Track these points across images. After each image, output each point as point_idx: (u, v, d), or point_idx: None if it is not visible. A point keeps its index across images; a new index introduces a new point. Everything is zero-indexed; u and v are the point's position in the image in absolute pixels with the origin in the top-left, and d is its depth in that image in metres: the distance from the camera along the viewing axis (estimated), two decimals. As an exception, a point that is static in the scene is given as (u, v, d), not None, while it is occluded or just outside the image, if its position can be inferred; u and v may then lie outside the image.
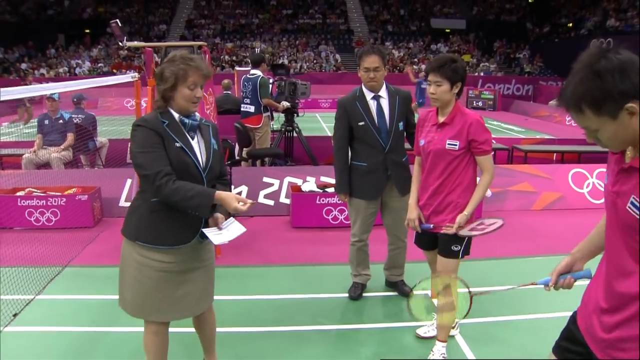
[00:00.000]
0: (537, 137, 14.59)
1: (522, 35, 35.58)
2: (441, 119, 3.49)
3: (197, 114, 2.96)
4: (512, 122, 19.78)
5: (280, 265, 5.49)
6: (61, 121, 8.30)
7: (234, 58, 30.80)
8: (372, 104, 4.28)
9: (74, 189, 6.88)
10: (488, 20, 36.79)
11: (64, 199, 6.62)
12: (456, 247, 3.54)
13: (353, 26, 37.12)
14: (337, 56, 32.85)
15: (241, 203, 2.74)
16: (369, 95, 4.31)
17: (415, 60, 32.52)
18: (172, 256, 2.90)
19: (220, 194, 2.75)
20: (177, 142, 2.80)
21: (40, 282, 4.91)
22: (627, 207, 1.71)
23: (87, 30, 34.78)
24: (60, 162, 8.02)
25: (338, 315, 4.45)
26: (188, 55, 2.80)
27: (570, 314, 2.22)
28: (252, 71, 8.50)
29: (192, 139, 2.89)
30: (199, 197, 2.72)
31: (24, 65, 30.81)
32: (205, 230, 2.88)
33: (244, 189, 7.06)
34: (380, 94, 4.31)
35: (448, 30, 36.07)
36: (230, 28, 35.57)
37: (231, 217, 2.87)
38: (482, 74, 30.24)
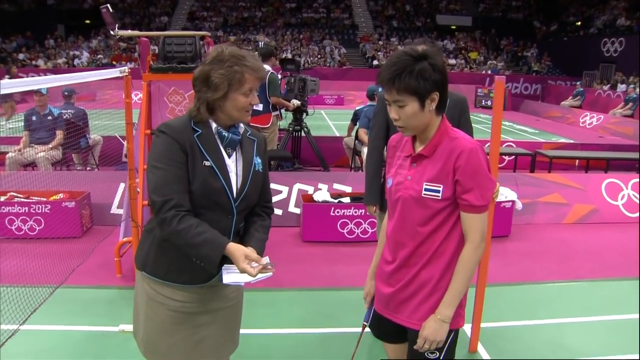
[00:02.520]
0: (555, 140, 13.96)
1: (529, 34, 34.95)
2: (419, 149, 2.24)
3: (241, 125, 2.33)
4: (524, 122, 19.09)
5: (292, 289, 4.80)
6: (50, 117, 7.64)
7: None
8: None
9: (60, 195, 6.20)
10: (494, 18, 36.17)
11: (49, 206, 5.94)
12: (434, 354, 2.29)
13: (358, 21, 36.44)
14: (342, 50, 32.16)
15: (253, 264, 2.10)
16: None
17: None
18: (188, 294, 2.31)
19: (230, 247, 2.12)
20: (208, 160, 2.19)
21: (24, 307, 4.24)
22: None
23: (88, 21, 34.03)
24: (48, 163, 7.35)
25: (364, 356, 3.78)
26: (239, 53, 2.20)
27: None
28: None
29: (229, 156, 2.28)
30: (207, 247, 2.11)
31: (21, 56, 30.12)
32: (225, 267, 2.19)
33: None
34: None
35: (454, 27, 35.41)
36: (232, 21, 34.84)
37: (266, 257, 2.19)
38: (489, 71, 29.52)
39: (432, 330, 2.18)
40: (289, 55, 28.20)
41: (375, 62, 30.52)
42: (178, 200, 2.11)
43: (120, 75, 4.15)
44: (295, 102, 7.86)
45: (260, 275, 2.11)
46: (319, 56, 30.59)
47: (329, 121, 14.92)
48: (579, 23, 32.33)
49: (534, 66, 31.54)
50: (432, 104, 2.13)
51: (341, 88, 23.79)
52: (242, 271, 2.07)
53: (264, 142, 2.45)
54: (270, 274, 2.14)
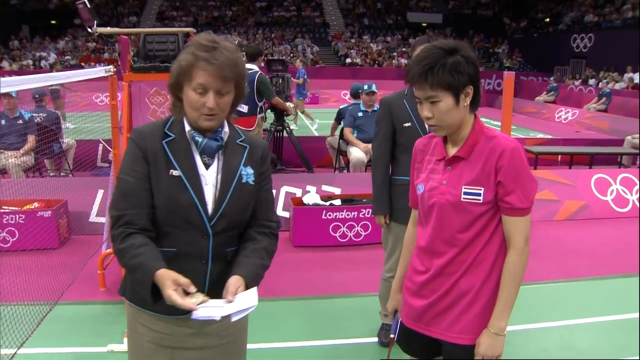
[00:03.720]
0: (533, 135, 13.97)
1: (499, 30, 35.30)
2: (452, 151, 2.09)
3: (225, 130, 1.97)
4: (500, 118, 19.10)
5: (287, 298, 4.57)
6: (20, 121, 7.25)
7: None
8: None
9: (35, 204, 5.85)
10: (464, 15, 36.45)
11: (23, 216, 5.60)
12: None
13: (329, 19, 36.35)
14: (315, 49, 31.97)
15: (186, 294, 1.75)
16: None
17: (394, 54, 31.84)
18: (169, 326, 1.97)
19: (160, 272, 1.76)
20: (175, 168, 1.88)
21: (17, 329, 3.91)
22: None
23: (53, 21, 33.25)
24: (20, 169, 6.97)
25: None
26: (208, 41, 1.84)
27: None
28: (248, 65, 7.16)
29: (208, 166, 1.94)
30: (140, 271, 1.80)
31: (-16, 58, 29.30)
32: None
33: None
34: None
35: (425, 24, 35.52)
36: (203, 20, 34.37)
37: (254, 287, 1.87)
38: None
39: (488, 346, 2.01)
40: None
41: (348, 60, 30.43)
42: (131, 216, 1.85)
43: (106, 74, 3.87)
44: (291, 105, 7.63)
45: (235, 307, 1.76)
46: (291, 55, 30.34)
47: (306, 120, 14.69)
48: (548, 20, 32.77)
49: (505, 62, 31.80)
50: (466, 98, 1.99)
51: (316, 87, 23.52)
52: (168, 299, 1.71)
53: (264, 150, 2.07)
54: (253, 305, 1.79)
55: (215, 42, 1.84)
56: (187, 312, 1.75)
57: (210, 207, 1.91)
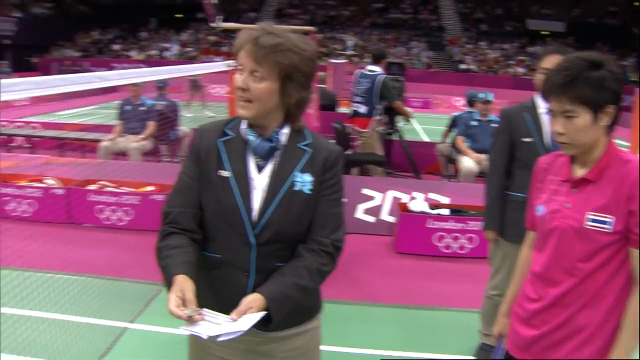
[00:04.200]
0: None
1: (627, 41, 33.03)
2: (580, 172, 1.89)
3: (284, 130, 1.78)
4: (626, 137, 17.92)
5: (386, 305, 4.47)
6: (143, 108, 7.65)
7: (324, 50, 30.07)
8: (547, 119, 3.19)
9: (150, 187, 6.14)
10: (589, 24, 34.39)
11: (139, 197, 5.89)
12: None
13: (445, 23, 35.64)
14: (430, 53, 31.52)
15: (186, 307, 1.58)
16: (542, 106, 3.22)
17: (511, 62, 30.74)
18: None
19: (176, 279, 1.63)
20: (225, 169, 1.75)
21: (132, 305, 4.16)
22: None
23: (179, 15, 35.09)
24: (139, 153, 7.36)
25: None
26: (262, 26, 1.69)
27: None
28: (371, 67, 7.24)
29: (261, 169, 1.77)
30: (165, 274, 1.70)
31: (116, 47, 31.41)
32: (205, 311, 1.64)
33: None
34: None
35: (545, 33, 33.95)
36: (319, 19, 34.88)
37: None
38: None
39: None
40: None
41: (463, 66, 29.72)
42: (176, 215, 1.77)
43: (227, 69, 3.97)
44: (410, 110, 7.55)
45: (223, 329, 1.56)
46: (405, 57, 30.08)
47: (416, 125, 14.48)
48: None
49: (632, 76, 29.79)
50: (605, 118, 1.79)
51: (428, 91, 23.19)
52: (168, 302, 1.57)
53: (330, 155, 1.81)
54: (241, 330, 1.56)
55: (277, 30, 1.69)
56: None
57: (255, 214, 1.74)
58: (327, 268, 1.80)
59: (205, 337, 1.54)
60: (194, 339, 1.92)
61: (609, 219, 1.79)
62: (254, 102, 1.67)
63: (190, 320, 1.55)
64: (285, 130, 1.78)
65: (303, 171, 1.77)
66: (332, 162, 1.81)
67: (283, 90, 1.70)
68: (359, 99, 7.23)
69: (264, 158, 1.76)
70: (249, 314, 1.62)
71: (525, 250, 2.18)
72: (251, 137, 1.75)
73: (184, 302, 1.58)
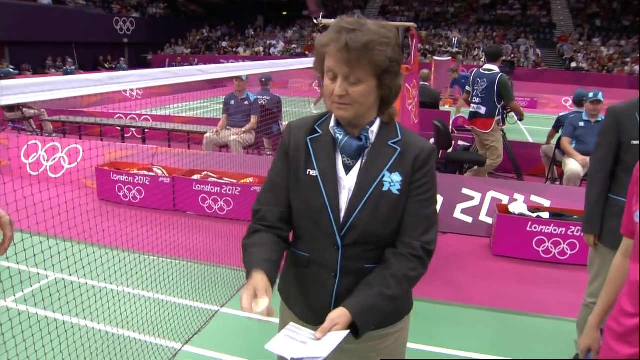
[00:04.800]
0: None
1: None
2: None
3: (373, 128, 1.71)
4: None
5: (479, 307, 4.37)
6: (246, 102, 7.91)
7: (428, 47, 29.68)
8: None
9: (250, 179, 6.36)
10: None
11: (239, 188, 6.11)
12: None
13: (556, 19, 34.01)
14: (538, 51, 30.26)
15: (259, 303, 1.54)
16: None
17: (628, 60, 28.89)
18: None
19: (253, 276, 1.60)
20: (314, 168, 1.71)
21: (224, 289, 4.38)
22: None
23: (285, 13, 35.93)
24: (240, 146, 7.62)
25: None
26: (348, 23, 1.59)
27: None
28: (488, 66, 7.12)
29: (349, 168, 1.71)
30: (246, 270, 1.67)
31: (224, 44, 32.65)
32: (291, 325, 1.63)
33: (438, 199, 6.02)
34: None
35: (669, 28, 31.59)
36: (424, 16, 34.44)
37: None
38: None
39: None
40: (481, 54, 27.21)
41: (573, 65, 28.30)
42: (265, 212, 1.75)
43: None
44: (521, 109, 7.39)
45: (305, 352, 1.49)
46: (512, 55, 29.09)
47: (521, 125, 13.97)
48: None
49: None
50: None
51: (535, 90, 22.29)
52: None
53: (421, 153, 1.72)
54: (321, 357, 1.46)
55: (356, 25, 1.59)
56: (321, 322, 1.60)
57: (343, 214, 1.69)
58: (416, 273, 1.71)
59: (289, 358, 1.49)
60: (284, 322, 1.92)
61: None
62: (353, 104, 1.62)
63: (263, 314, 1.52)
64: (375, 127, 1.72)
65: (392, 170, 1.70)
66: (423, 160, 1.72)
67: (380, 85, 1.64)
68: (477, 99, 7.12)
69: (352, 157, 1.71)
70: (333, 331, 1.57)
71: (619, 258, 2.04)
72: (339, 136, 1.70)
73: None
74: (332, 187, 1.69)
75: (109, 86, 1.94)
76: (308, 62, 3.91)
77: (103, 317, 3.68)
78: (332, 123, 1.73)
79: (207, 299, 4.21)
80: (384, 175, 1.69)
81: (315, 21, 4.65)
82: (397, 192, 1.69)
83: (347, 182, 1.70)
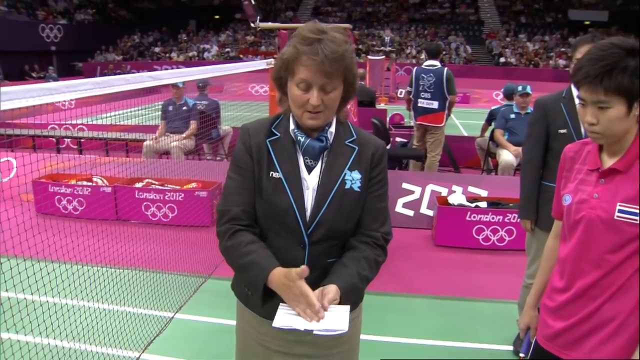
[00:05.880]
0: None
1: (675, 30, 31.98)
2: (608, 162, 1.88)
3: (332, 129, 1.79)
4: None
5: (425, 296, 4.55)
6: (185, 108, 7.86)
7: (361, 47, 30.07)
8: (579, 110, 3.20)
9: (193, 184, 6.33)
10: (634, 12, 33.34)
11: (182, 194, 6.08)
12: None
13: (484, 17, 35.17)
14: (468, 48, 31.17)
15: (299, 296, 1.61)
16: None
17: (552, 54, 30.16)
18: (271, 329, 1.73)
19: (275, 272, 1.66)
20: (276, 170, 1.77)
21: (177, 296, 4.38)
22: None
23: (217, 17, 35.63)
24: (181, 152, 7.57)
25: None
26: (312, 33, 1.67)
27: None
28: (430, 62, 7.34)
29: (311, 168, 1.79)
30: (253, 271, 1.70)
31: (157, 49, 32.08)
32: (283, 308, 1.69)
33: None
34: None
35: (587, 23, 33.11)
36: (356, 16, 34.86)
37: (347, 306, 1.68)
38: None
39: None
40: (414, 52, 27.80)
41: (502, 60, 29.30)
42: (236, 212, 1.77)
43: (267, 67, 4.09)
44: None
45: (322, 325, 1.57)
46: (444, 53, 29.83)
47: (456, 120, 14.41)
48: None
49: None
50: (639, 108, 1.76)
51: (467, 86, 22.93)
52: (296, 292, 1.60)
53: (376, 151, 1.84)
54: (343, 330, 1.58)
55: (320, 33, 1.66)
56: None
57: (308, 213, 1.76)
58: (382, 259, 1.84)
59: (302, 329, 1.57)
60: (241, 327, 2.00)
61: (637, 210, 1.78)
62: (325, 112, 1.71)
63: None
64: (333, 128, 1.80)
65: (352, 169, 1.80)
66: (378, 157, 1.84)
67: (346, 92, 1.76)
68: (427, 95, 7.26)
69: (313, 158, 1.78)
70: (333, 305, 1.64)
71: (551, 240, 2.18)
72: (301, 138, 1.76)
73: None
74: (296, 188, 1.76)
75: (65, 95, 1.95)
76: (260, 64, 3.97)
77: (57, 332, 3.60)
78: (292, 126, 1.80)
79: (161, 306, 4.19)
80: (345, 174, 1.79)
81: (252, 25, 4.70)
82: (358, 189, 1.80)
83: (310, 182, 1.78)
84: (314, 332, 1.57)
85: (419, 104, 7.40)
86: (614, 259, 1.82)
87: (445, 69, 7.21)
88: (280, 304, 1.68)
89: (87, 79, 2.13)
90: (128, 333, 3.73)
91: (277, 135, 1.81)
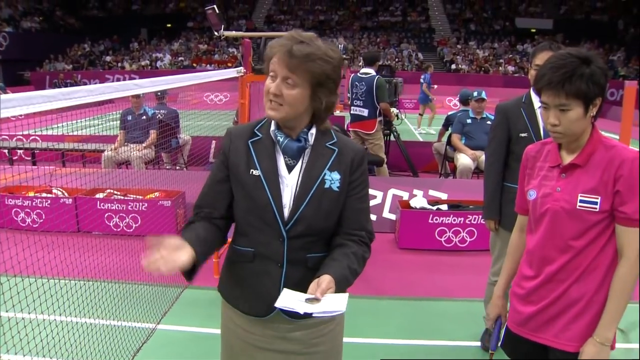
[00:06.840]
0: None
1: (613, 36, 33.34)
2: (568, 158, 2.07)
3: (312, 131, 1.89)
4: (611, 129, 18.15)
5: (392, 298, 4.66)
6: (144, 117, 7.80)
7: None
8: (541, 113, 3.37)
9: (156, 193, 6.29)
10: (577, 20, 34.69)
11: (146, 204, 6.04)
12: None
13: (434, 24, 35.97)
14: (420, 55, 31.76)
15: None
16: (537, 101, 3.40)
17: (501, 61, 31.02)
18: (255, 326, 1.96)
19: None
20: (256, 168, 1.87)
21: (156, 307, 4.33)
22: None
23: (169, 25, 35.29)
24: (141, 162, 7.50)
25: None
26: (298, 35, 1.80)
27: None
28: (365, 70, 7.43)
29: (291, 168, 1.89)
30: None
31: (108, 58, 31.56)
32: (286, 292, 1.78)
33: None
34: None
35: (534, 30, 34.23)
36: (309, 24, 35.07)
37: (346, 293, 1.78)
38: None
39: (593, 355, 1.99)
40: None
41: (453, 66, 29.97)
42: (209, 211, 1.93)
43: (237, 75, 4.13)
44: (395, 111, 7.70)
45: (321, 307, 1.67)
46: (396, 60, 30.31)
47: (410, 125, 14.68)
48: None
49: (620, 71, 30.10)
50: (594, 109, 1.98)
51: (419, 92, 23.34)
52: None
53: (356, 155, 1.94)
54: (341, 310, 1.67)
55: (307, 39, 1.78)
56: (270, 312, 1.87)
57: (287, 209, 1.86)
58: (368, 255, 1.97)
59: (302, 312, 1.65)
60: (225, 326, 2.07)
61: (596, 199, 1.98)
62: (285, 106, 1.79)
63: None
64: (313, 131, 1.89)
65: (331, 169, 1.89)
66: (358, 161, 1.94)
67: (313, 95, 1.82)
68: (359, 102, 7.35)
69: (293, 157, 1.88)
70: (330, 293, 1.72)
71: (516, 233, 2.36)
72: (280, 138, 1.86)
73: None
74: (274, 185, 1.86)
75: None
76: (231, 72, 4.00)
77: (35, 350, 3.52)
78: (272, 127, 1.90)
79: (141, 317, 4.14)
80: (325, 174, 1.88)
81: (216, 33, 4.74)
82: (337, 189, 1.89)
83: (290, 180, 1.88)
84: (313, 315, 1.66)
85: (352, 111, 7.53)
86: (578, 245, 2.02)
87: (377, 77, 7.23)
88: (285, 288, 1.80)
89: (80, 87, 2.14)
90: (110, 346, 3.66)
91: (259, 136, 1.91)
